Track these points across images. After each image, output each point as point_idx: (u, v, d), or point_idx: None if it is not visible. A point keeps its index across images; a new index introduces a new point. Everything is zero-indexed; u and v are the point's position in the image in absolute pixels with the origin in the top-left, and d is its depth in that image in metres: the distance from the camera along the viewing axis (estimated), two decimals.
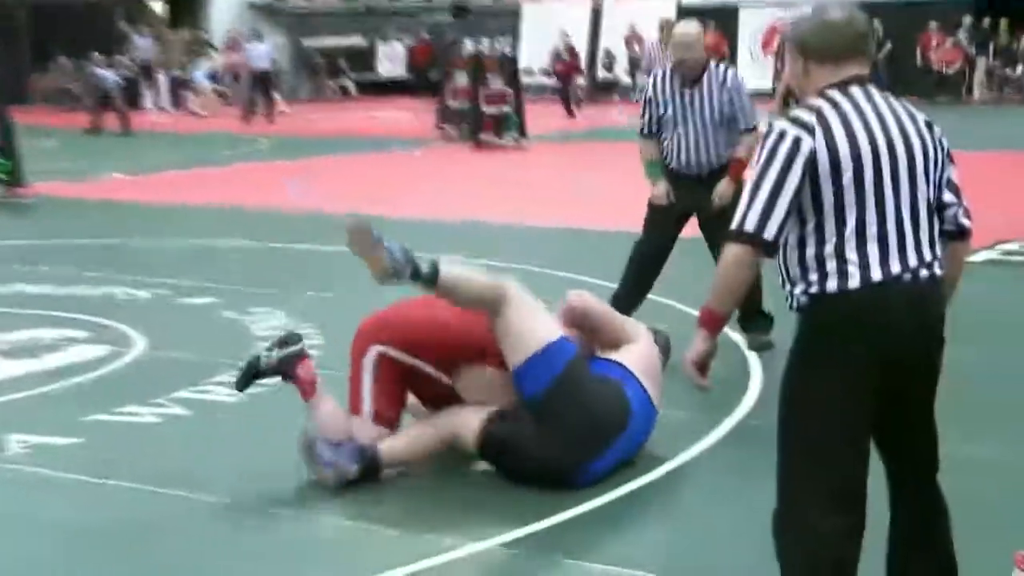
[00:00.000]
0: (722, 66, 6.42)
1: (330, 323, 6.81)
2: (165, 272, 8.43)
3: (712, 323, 3.05)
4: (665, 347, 4.87)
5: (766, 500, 4.15)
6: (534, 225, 10.72)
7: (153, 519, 4.20)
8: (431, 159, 16.96)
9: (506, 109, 18.05)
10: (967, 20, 27.18)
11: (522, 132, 18.29)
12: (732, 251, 2.97)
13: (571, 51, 26.58)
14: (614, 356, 4.58)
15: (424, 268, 4.26)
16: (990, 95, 27.13)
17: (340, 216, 10.98)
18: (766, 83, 27.70)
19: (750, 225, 2.94)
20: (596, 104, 28.77)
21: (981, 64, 27.40)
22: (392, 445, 4.46)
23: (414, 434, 4.51)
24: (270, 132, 20.71)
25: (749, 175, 3.01)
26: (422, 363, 4.54)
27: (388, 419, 4.51)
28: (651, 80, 6.53)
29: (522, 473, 4.31)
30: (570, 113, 24.25)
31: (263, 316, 7.09)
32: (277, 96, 24.88)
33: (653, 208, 6.60)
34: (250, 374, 4.57)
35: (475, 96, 17.93)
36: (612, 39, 30.29)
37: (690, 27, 6.42)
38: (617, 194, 13.08)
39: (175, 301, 7.61)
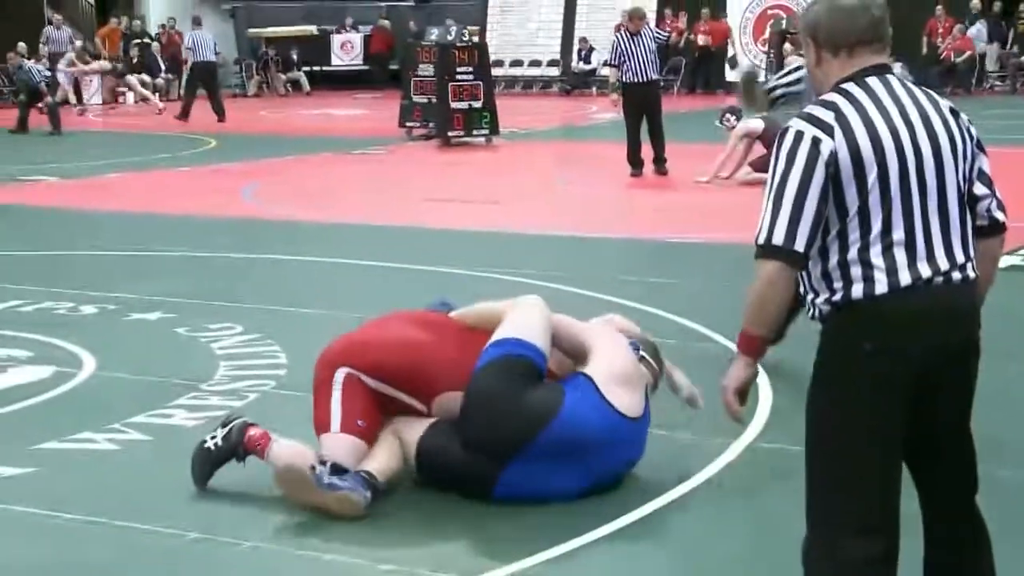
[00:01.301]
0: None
1: (293, 339, 6.85)
2: (110, 285, 8.42)
3: (751, 347, 3.07)
4: (655, 355, 4.91)
5: (780, 528, 4.23)
6: (504, 231, 10.79)
7: (113, 556, 4.21)
8: (394, 160, 17.01)
9: (476, 104, 18.13)
10: (975, 4, 27.45)
11: (494, 129, 18.36)
12: (763, 268, 2.99)
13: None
14: (581, 368, 4.66)
15: (375, 486, 4.46)
16: (1002, 86, 27.42)
17: (303, 223, 11.20)
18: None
19: (778, 238, 2.97)
20: (571, 98, 28.93)
21: (993, 52, 27.70)
22: (380, 468, 4.52)
23: (390, 450, 4.58)
24: (215, 131, 20.69)
25: (765, 182, 3.06)
26: (393, 389, 4.60)
27: (361, 431, 4.54)
28: None
29: (443, 481, 4.56)
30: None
31: (221, 332, 7.11)
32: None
33: None
34: (207, 464, 4.66)
35: (442, 90, 17.99)
36: (589, 25, 30.43)
37: None
38: (592, 197, 13.19)
39: (124, 317, 7.61)
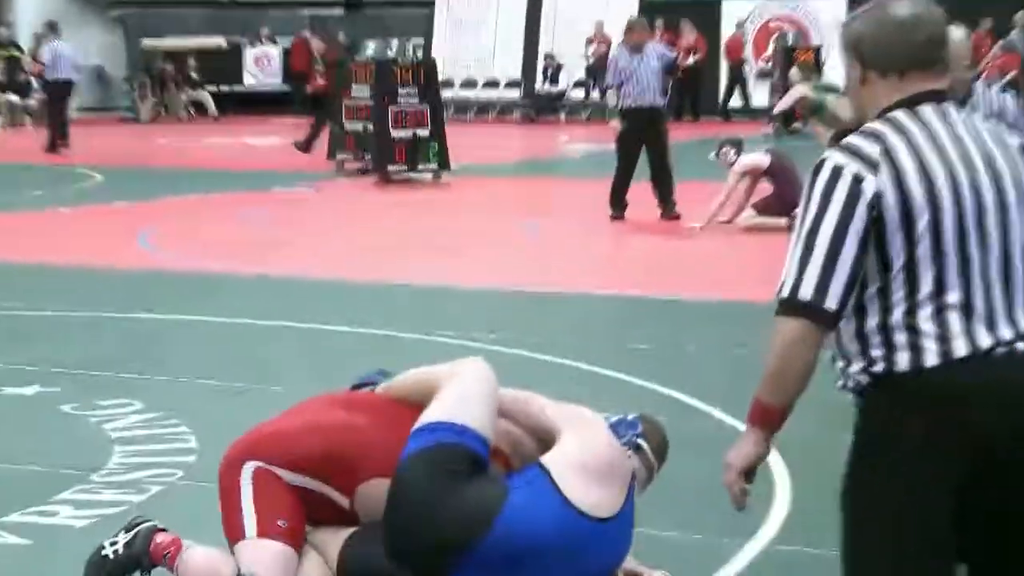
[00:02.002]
0: (994, 88, 6.02)
1: (204, 418, 6.82)
2: None
3: (766, 419, 3.09)
4: (659, 446, 4.84)
5: None
6: (455, 286, 10.81)
7: None
8: (322, 200, 17.03)
9: (422, 132, 18.19)
10: (1019, 17, 27.90)
11: (443, 163, 18.41)
12: (786, 327, 3.01)
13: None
14: (541, 457, 4.60)
15: None
16: None
17: (211, 276, 11.14)
18: (760, 100, 28.27)
19: (806, 292, 2.99)
20: (536, 125, 29.10)
21: None
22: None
23: (320, 566, 4.52)
24: (102, 163, 20.64)
25: (791, 228, 3.07)
26: (314, 481, 4.55)
27: (283, 532, 4.47)
28: None
29: None
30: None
31: (116, 410, 7.07)
32: None
33: None
34: (105, 570, 4.54)
35: (381, 116, 18.04)
36: (556, 39, 30.69)
37: (953, 33, 6.11)
38: (562, 247, 13.24)
39: None
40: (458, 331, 8.76)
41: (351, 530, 4.56)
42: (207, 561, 4.49)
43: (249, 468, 4.50)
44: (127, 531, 4.62)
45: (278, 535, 4.46)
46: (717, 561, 4.99)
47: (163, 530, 4.62)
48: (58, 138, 22.22)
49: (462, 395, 4.55)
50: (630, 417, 4.82)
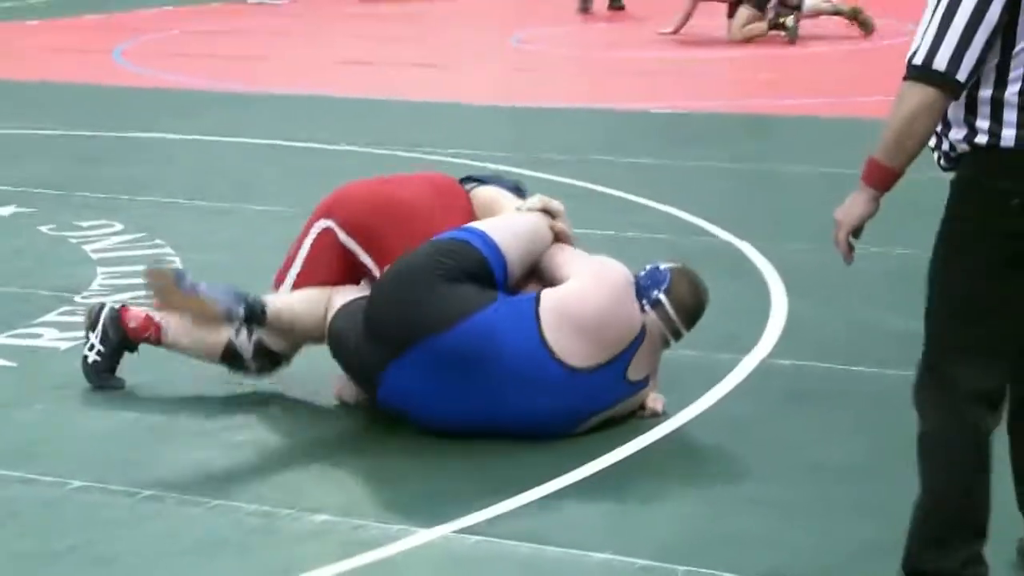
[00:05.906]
0: None
1: (186, 239, 6.89)
2: None
3: (882, 179, 3.17)
4: (687, 305, 4.68)
5: (797, 461, 4.34)
6: (443, 101, 10.83)
7: None
8: (298, 10, 16.95)
9: None
10: None
11: None
12: (914, 94, 3.08)
13: None
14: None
15: (254, 307, 4.76)
16: None
17: (188, 92, 11.08)
18: None
19: (940, 62, 3.06)
20: None
21: None
22: (278, 305, 4.79)
23: (303, 302, 4.85)
24: None
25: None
26: (361, 250, 4.88)
27: None
28: None
29: (342, 363, 4.81)
30: None
31: (96, 231, 7.11)
32: None
33: None
34: (100, 375, 4.98)
35: None
36: None
37: None
38: (554, 59, 13.17)
39: None
40: (450, 148, 8.78)
41: (357, 292, 4.81)
42: (199, 327, 4.86)
43: (318, 227, 4.95)
44: (91, 328, 4.95)
45: None
46: (713, 376, 5.08)
47: (125, 309, 4.99)
48: None
49: (507, 224, 4.77)
50: (663, 267, 4.72)
